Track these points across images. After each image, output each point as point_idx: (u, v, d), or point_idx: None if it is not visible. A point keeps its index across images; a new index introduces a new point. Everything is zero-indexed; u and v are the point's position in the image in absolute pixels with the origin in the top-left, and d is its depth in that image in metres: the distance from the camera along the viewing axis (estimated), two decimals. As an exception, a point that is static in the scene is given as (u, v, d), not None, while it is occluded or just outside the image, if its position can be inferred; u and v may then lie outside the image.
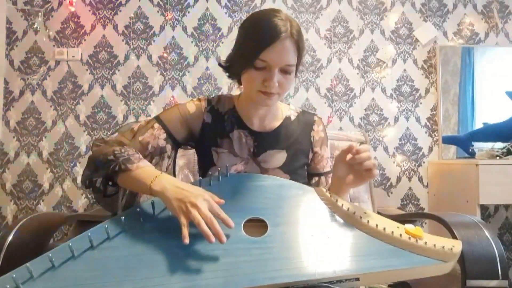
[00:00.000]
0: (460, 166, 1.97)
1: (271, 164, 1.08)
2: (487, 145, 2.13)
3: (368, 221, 0.87)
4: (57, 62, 2.14)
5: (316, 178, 1.16)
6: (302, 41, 0.98)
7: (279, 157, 1.08)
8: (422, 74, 2.25)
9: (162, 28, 2.19)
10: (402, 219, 1.62)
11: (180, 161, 1.65)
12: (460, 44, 2.26)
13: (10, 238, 1.11)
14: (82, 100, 2.14)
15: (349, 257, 0.81)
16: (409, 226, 0.86)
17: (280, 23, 0.93)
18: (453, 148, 2.20)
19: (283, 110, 1.14)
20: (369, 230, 0.86)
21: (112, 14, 2.17)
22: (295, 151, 1.10)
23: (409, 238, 0.83)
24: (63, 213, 2.03)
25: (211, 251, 0.79)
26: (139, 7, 2.18)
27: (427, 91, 2.25)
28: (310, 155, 1.15)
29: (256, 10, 1.95)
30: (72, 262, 0.77)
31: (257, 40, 0.93)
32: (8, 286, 0.70)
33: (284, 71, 0.96)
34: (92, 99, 2.14)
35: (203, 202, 0.80)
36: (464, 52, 2.23)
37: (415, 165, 2.23)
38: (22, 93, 2.12)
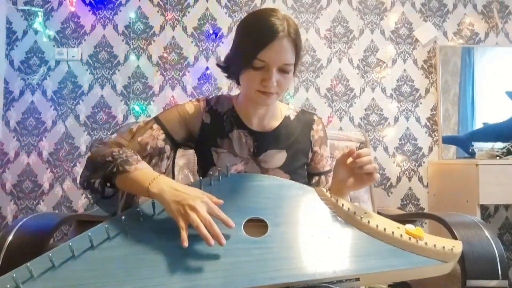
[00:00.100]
0: (460, 166, 1.97)
1: (271, 164, 1.08)
2: (487, 145, 2.13)
3: (368, 221, 0.87)
4: (57, 62, 2.14)
5: (316, 178, 1.16)
6: (300, 40, 0.98)
7: (279, 157, 1.08)
8: (422, 74, 2.26)
9: (162, 28, 2.19)
10: (402, 219, 1.62)
11: (180, 161, 1.65)
12: (460, 44, 2.26)
13: (10, 238, 1.11)
14: (82, 100, 2.14)
15: (349, 257, 0.81)
16: (409, 227, 0.86)
17: (277, 23, 0.93)
18: (453, 148, 2.20)
19: (282, 110, 1.14)
20: (370, 230, 0.86)
21: (112, 14, 2.17)
22: (295, 151, 1.10)
23: (410, 238, 0.83)
24: (63, 213, 2.03)
25: (211, 251, 0.78)
26: (139, 7, 2.18)
27: (427, 91, 2.25)
28: (310, 155, 1.15)
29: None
30: (72, 262, 0.77)
31: (255, 40, 0.93)
32: (8, 286, 0.70)
33: (283, 70, 0.96)
34: (92, 99, 2.14)
35: (201, 204, 0.79)
36: (464, 52, 2.23)
37: (415, 165, 2.23)
38: (22, 93, 2.12)
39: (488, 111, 2.21)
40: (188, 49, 2.19)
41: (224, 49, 2.18)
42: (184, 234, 0.76)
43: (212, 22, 2.20)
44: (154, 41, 2.18)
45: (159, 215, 0.87)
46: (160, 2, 2.19)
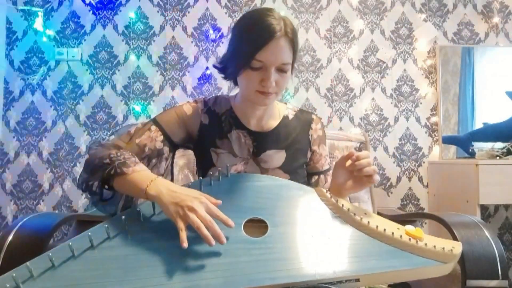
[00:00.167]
0: (460, 166, 1.97)
1: (271, 164, 1.08)
2: (487, 145, 2.13)
3: (368, 222, 0.87)
4: (57, 62, 2.14)
5: (316, 177, 1.16)
6: (297, 39, 0.98)
7: (279, 157, 1.08)
8: (422, 74, 2.25)
9: (162, 28, 2.19)
10: (402, 219, 1.63)
11: (180, 161, 1.65)
12: (460, 44, 2.26)
13: (10, 238, 1.11)
14: (82, 100, 2.14)
15: (349, 257, 0.81)
16: (409, 227, 0.86)
17: (274, 22, 0.93)
18: (453, 148, 2.20)
19: (280, 109, 1.14)
20: (370, 231, 0.86)
21: (112, 14, 2.17)
22: (294, 151, 1.10)
23: (410, 239, 0.83)
24: (63, 213, 2.03)
25: (211, 251, 0.78)
26: (139, 7, 2.18)
27: (427, 91, 2.25)
28: (309, 154, 1.15)
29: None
30: (72, 261, 0.77)
31: (252, 41, 0.93)
32: (8, 285, 0.70)
33: (281, 70, 0.96)
34: (92, 99, 2.14)
35: (200, 205, 0.79)
36: (464, 52, 2.23)
37: (415, 165, 2.23)
38: (22, 93, 2.12)
39: (488, 111, 2.21)
40: (188, 49, 2.19)
41: (224, 49, 2.17)
42: (183, 235, 0.76)
43: (212, 22, 2.20)
44: (154, 41, 2.18)
45: (159, 215, 0.87)
46: (160, 2, 2.19)
